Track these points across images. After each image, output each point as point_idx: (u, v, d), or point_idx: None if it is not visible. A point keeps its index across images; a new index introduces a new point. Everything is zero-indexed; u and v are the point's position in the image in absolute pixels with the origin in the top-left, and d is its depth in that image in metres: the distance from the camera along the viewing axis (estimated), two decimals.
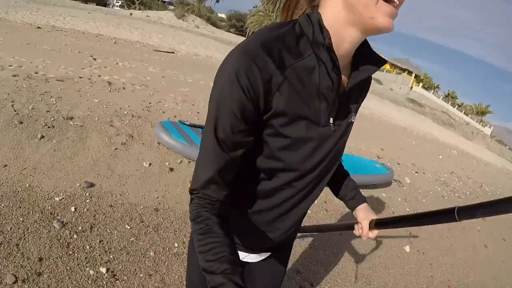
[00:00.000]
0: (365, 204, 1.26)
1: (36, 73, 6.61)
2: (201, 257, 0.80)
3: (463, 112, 53.84)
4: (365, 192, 5.19)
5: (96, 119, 4.85)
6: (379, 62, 0.86)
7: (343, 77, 0.85)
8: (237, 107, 0.74)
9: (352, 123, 0.97)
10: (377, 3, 0.71)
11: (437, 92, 56.49)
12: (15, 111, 4.51)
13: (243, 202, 1.00)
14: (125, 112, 5.50)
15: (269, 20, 32.28)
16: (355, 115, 0.97)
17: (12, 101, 4.85)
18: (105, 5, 52.27)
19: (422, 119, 29.73)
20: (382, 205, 5.11)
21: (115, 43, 14.06)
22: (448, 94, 66.88)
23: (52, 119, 4.49)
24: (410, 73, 56.90)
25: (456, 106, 54.72)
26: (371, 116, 16.59)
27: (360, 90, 0.96)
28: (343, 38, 0.78)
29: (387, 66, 62.45)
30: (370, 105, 21.48)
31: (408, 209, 5.32)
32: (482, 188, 10.14)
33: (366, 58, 0.86)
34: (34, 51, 8.68)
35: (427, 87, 53.09)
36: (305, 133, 0.83)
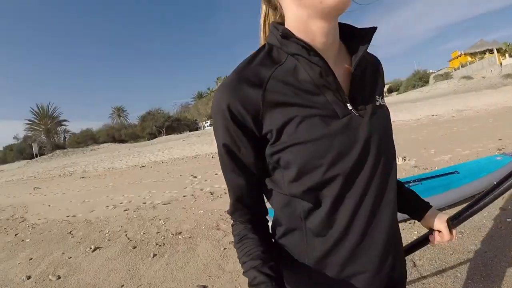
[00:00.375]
0: (432, 208, 1.14)
1: (144, 203, 7.48)
2: (240, 262, 0.91)
3: None
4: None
5: (203, 227, 5.17)
6: (366, 34, 0.88)
7: (346, 66, 0.89)
8: (227, 137, 0.84)
9: (382, 106, 0.93)
10: None
11: None
12: (129, 239, 5.06)
13: (306, 253, 0.92)
14: None
15: None
16: (381, 98, 0.94)
17: (125, 231, 5.49)
18: (197, 129, 58.40)
19: None
20: None
21: (212, 157, 15.31)
22: None
23: (163, 238, 4.92)
24: (491, 51, 53.12)
25: None
26: (476, 114, 15.54)
27: (374, 75, 0.96)
28: (313, 32, 0.83)
29: (467, 58, 58.59)
30: (471, 103, 20.33)
31: None
32: None
33: (355, 40, 0.89)
34: (140, 186, 9.88)
35: None
36: (324, 129, 0.81)
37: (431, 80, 55.74)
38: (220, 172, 8.21)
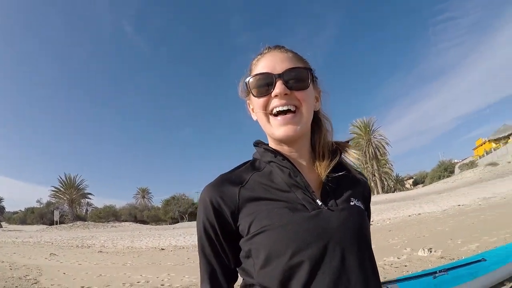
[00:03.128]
0: None
1: (162, 285, 7.22)
2: None
3: None
4: None
5: None
6: (335, 152, 1.12)
7: (319, 169, 1.07)
8: (207, 223, 1.00)
9: (357, 206, 1.03)
10: (268, 120, 1.05)
11: None
12: None
13: None
14: None
15: None
16: (357, 201, 1.05)
17: None
18: None
19: None
20: None
21: None
22: None
23: None
24: None
25: None
26: (504, 200, 15.48)
27: (353, 184, 1.10)
28: (283, 149, 1.08)
29: (491, 145, 58.46)
30: (498, 190, 20.24)
31: None
32: None
33: (333, 154, 1.11)
34: (159, 268, 9.60)
35: None
36: (291, 217, 0.93)
37: (456, 170, 55.61)
38: None
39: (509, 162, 42.53)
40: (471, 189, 25.82)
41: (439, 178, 53.67)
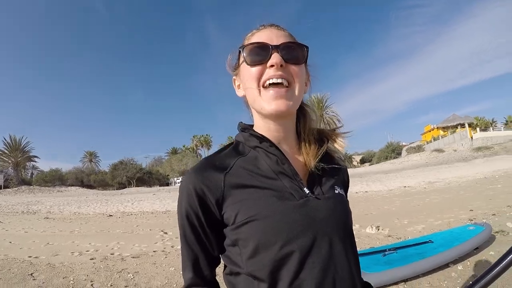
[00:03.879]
0: None
1: (112, 254, 7.20)
2: None
3: None
4: (472, 259, 4.89)
5: (175, 285, 4.98)
6: (321, 141, 1.09)
7: (306, 158, 1.04)
8: (191, 211, 0.95)
9: (341, 195, 1.04)
10: (260, 94, 0.98)
11: (495, 126, 53.31)
12: None
13: None
14: None
15: None
16: (340, 189, 1.06)
17: (92, 281, 5.24)
18: (167, 184, 57.19)
19: (497, 159, 29.23)
20: None
21: None
22: (507, 121, 61.89)
23: None
24: (463, 125, 55.80)
25: None
26: (448, 186, 16.35)
27: (336, 172, 1.09)
28: (269, 128, 1.03)
29: (439, 132, 61.56)
30: (442, 176, 21.42)
31: None
32: None
33: (320, 141, 1.09)
34: (108, 236, 9.54)
35: (485, 128, 50.77)
36: (280, 207, 0.90)
37: (403, 152, 57.66)
38: None
39: (455, 150, 44.63)
40: (417, 172, 26.90)
41: (386, 159, 55.47)
